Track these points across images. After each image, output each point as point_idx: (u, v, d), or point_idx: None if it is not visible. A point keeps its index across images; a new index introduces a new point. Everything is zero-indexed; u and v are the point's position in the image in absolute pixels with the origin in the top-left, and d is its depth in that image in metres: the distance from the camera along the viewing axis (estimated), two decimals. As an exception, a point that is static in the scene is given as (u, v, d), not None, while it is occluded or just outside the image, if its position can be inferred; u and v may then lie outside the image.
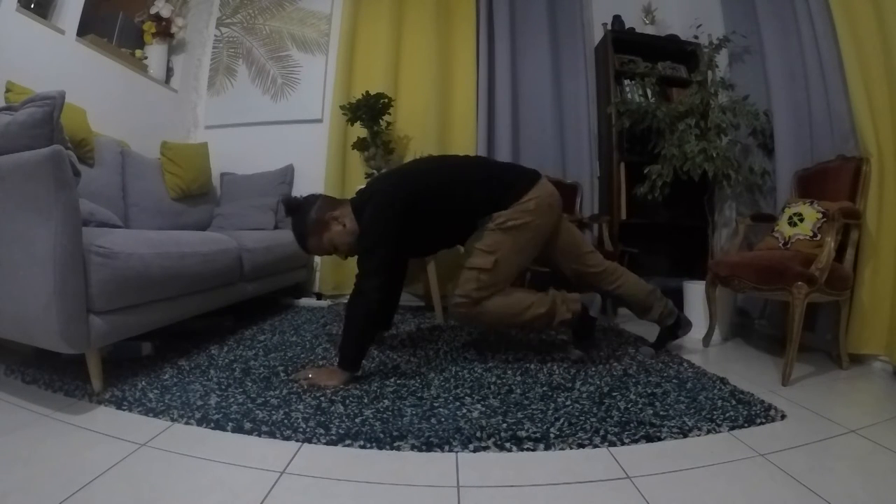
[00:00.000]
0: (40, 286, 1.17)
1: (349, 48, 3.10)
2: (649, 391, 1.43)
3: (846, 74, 1.89)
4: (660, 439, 1.14)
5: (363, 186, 1.71)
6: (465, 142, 2.96)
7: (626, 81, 3.01)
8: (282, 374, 1.52)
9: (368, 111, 2.68)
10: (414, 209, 1.52)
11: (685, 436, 1.16)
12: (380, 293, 1.44)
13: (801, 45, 2.17)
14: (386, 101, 2.70)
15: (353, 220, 1.59)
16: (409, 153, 3.00)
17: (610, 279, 1.79)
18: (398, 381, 1.48)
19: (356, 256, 1.57)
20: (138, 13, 2.94)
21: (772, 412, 1.29)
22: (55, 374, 1.41)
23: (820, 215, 1.83)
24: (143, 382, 1.39)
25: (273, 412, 1.22)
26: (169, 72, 3.14)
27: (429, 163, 1.85)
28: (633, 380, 1.53)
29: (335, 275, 2.97)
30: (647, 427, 1.17)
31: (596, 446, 1.10)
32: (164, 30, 2.97)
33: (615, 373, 1.60)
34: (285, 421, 1.17)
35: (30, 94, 1.42)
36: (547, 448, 1.09)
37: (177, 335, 1.84)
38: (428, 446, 1.08)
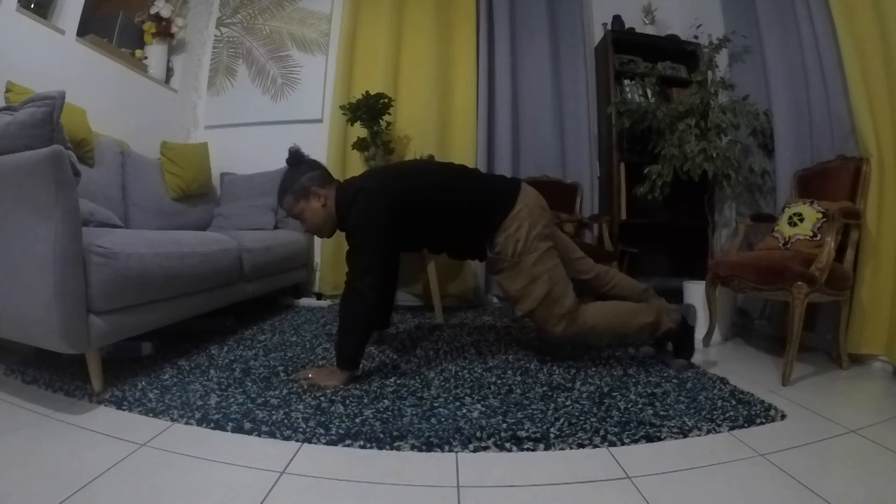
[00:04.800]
0: (40, 286, 1.17)
1: (349, 48, 3.10)
2: (649, 391, 1.43)
3: (846, 74, 1.89)
4: (660, 439, 1.14)
5: (351, 177, 1.70)
6: (465, 142, 2.96)
7: (626, 81, 3.01)
8: (282, 374, 1.52)
9: (368, 111, 2.68)
10: (400, 211, 1.51)
11: (685, 436, 1.16)
12: (375, 291, 1.44)
13: (801, 45, 2.17)
14: (386, 101, 2.69)
15: (332, 203, 1.60)
16: (409, 153, 3.00)
17: (602, 283, 1.80)
18: (398, 381, 1.48)
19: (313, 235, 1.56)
20: (138, 13, 2.93)
21: (772, 412, 1.29)
22: (55, 374, 1.41)
23: (820, 215, 1.83)
24: (143, 382, 1.39)
25: (273, 412, 1.22)
26: (169, 72, 3.14)
27: (417, 166, 1.84)
28: (633, 380, 1.53)
29: (335, 275, 2.97)
30: (647, 427, 1.17)
31: (596, 446, 1.10)
32: (164, 30, 2.97)
33: (615, 373, 1.60)
34: (285, 421, 1.17)
35: (30, 94, 1.42)
36: (547, 448, 1.09)
37: (177, 335, 1.84)
38: (428, 446, 1.08)
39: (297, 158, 1.66)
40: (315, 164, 1.68)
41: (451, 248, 1.76)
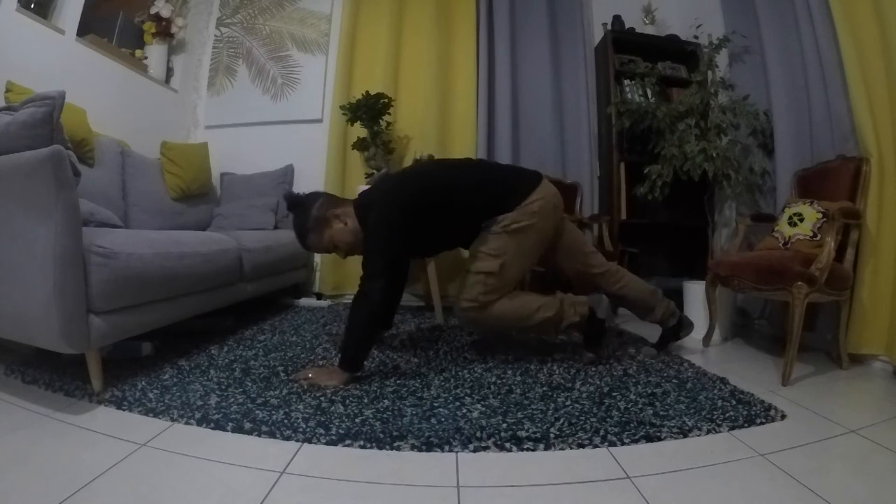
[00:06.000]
0: (40, 286, 1.17)
1: (349, 48, 3.10)
2: (649, 391, 1.43)
3: (846, 74, 1.89)
4: (660, 439, 1.14)
5: (366, 187, 1.71)
6: (465, 142, 2.96)
7: (626, 81, 3.01)
8: (282, 374, 1.52)
9: (368, 111, 2.68)
10: (417, 212, 1.52)
11: (685, 436, 1.16)
12: (383, 295, 1.44)
13: (801, 45, 2.17)
14: (386, 101, 2.69)
15: (354, 219, 1.59)
16: (409, 153, 3.00)
17: (612, 280, 1.80)
18: (398, 381, 1.48)
19: (357, 256, 1.57)
20: (138, 13, 2.94)
21: (772, 412, 1.29)
22: (55, 374, 1.41)
23: (820, 215, 1.83)
24: (143, 382, 1.39)
25: (273, 412, 1.22)
26: (169, 72, 3.14)
27: (432, 166, 1.84)
28: (633, 380, 1.53)
29: (335, 275, 2.97)
30: (647, 427, 1.17)
31: (596, 446, 1.10)
32: (164, 30, 2.97)
33: (615, 373, 1.60)
34: (285, 421, 1.17)
35: (30, 94, 1.42)
36: (547, 448, 1.09)
37: (177, 335, 1.84)
38: (428, 446, 1.08)
39: (295, 199, 1.63)
40: (317, 194, 1.66)
41: (464, 242, 1.73)
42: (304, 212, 1.58)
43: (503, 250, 1.56)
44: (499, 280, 1.56)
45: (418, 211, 1.52)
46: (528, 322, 1.61)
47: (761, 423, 1.24)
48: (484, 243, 1.58)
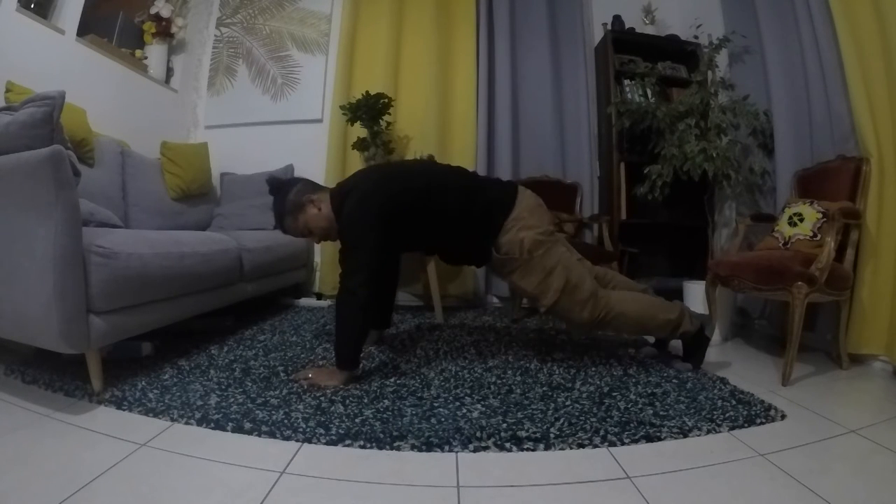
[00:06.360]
0: (40, 286, 1.17)
1: (349, 48, 3.10)
2: (649, 391, 1.43)
3: (846, 74, 1.89)
4: (660, 439, 1.14)
5: (347, 178, 1.71)
6: (465, 141, 2.96)
7: (626, 81, 3.01)
8: (282, 374, 1.52)
9: (368, 111, 2.68)
10: (393, 212, 1.50)
11: (685, 436, 1.16)
12: (368, 289, 1.43)
13: (801, 45, 2.17)
14: (386, 101, 2.69)
15: (328, 206, 1.61)
16: (409, 153, 3.00)
17: (602, 283, 1.78)
18: (398, 381, 1.48)
19: (331, 247, 1.57)
20: (138, 13, 2.94)
21: (772, 412, 1.29)
22: (55, 374, 1.41)
23: (820, 215, 1.83)
24: (143, 382, 1.39)
25: (273, 412, 1.22)
26: (169, 72, 3.14)
27: (413, 167, 1.83)
28: (633, 380, 1.53)
29: (335, 275, 2.93)
30: (647, 427, 1.18)
31: (596, 446, 1.10)
32: (164, 30, 2.97)
33: (615, 373, 1.60)
34: (285, 421, 1.17)
35: (30, 94, 1.42)
36: (547, 448, 1.09)
37: (177, 335, 1.84)
38: (428, 446, 1.08)
39: (276, 183, 1.67)
40: (296, 179, 1.70)
41: (448, 251, 1.73)
42: (283, 196, 1.63)
43: (548, 266, 1.55)
44: (576, 280, 1.56)
45: (395, 212, 1.51)
46: (654, 321, 1.63)
47: (761, 423, 1.24)
48: (530, 281, 1.56)
